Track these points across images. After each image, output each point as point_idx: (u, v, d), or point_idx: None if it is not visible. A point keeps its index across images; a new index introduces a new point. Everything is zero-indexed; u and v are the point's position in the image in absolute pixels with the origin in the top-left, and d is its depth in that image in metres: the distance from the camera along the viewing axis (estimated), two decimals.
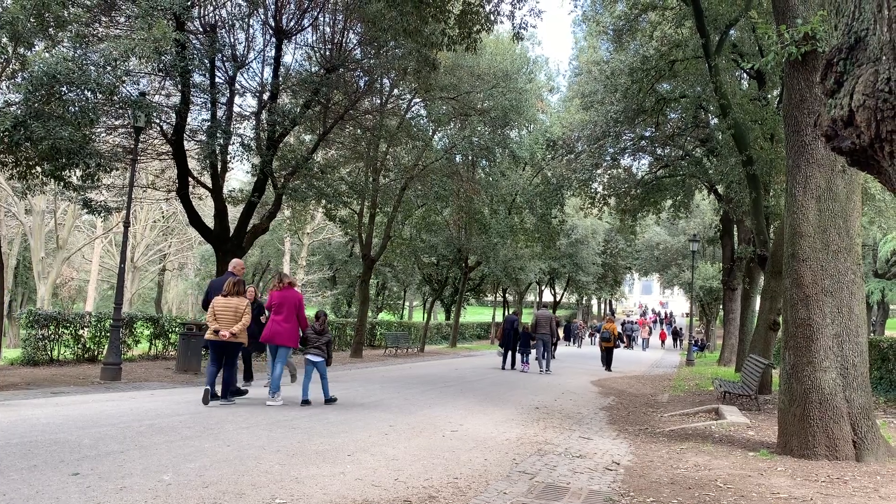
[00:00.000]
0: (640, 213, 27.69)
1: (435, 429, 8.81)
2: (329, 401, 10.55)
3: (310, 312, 11.13)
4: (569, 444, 8.37)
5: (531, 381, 17.45)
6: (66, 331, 16.37)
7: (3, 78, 11.83)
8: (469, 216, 30.97)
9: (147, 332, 19.24)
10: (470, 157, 31.28)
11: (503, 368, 21.20)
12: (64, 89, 11.33)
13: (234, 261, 11.56)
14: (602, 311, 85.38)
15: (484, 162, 31.97)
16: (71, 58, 11.02)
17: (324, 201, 20.57)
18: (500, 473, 6.50)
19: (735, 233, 26.97)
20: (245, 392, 10.83)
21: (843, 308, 8.01)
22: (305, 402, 10.23)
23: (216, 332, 9.71)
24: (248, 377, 12.92)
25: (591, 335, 52.66)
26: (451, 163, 29.53)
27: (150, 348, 19.31)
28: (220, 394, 10.06)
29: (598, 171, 26.32)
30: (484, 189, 30.95)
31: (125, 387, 12.50)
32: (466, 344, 42.33)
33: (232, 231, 18.30)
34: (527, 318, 54.03)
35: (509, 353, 21.77)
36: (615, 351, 24.50)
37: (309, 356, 10.56)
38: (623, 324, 48.98)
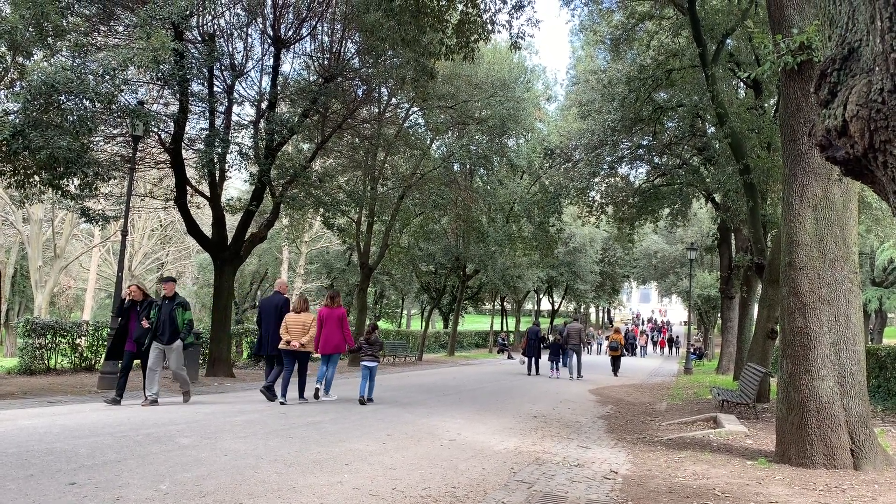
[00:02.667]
0: (637, 222, 27.69)
1: (433, 438, 8.79)
2: (369, 399, 12.23)
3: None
4: (567, 453, 8.35)
5: (529, 389, 17.43)
6: (63, 340, 16.34)
7: (2, 87, 11.84)
8: (467, 224, 31.00)
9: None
10: (468, 166, 31.35)
11: (528, 374, 23.27)
12: (62, 98, 11.35)
13: (279, 281, 13.47)
14: (600, 320, 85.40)
15: (482, 170, 32.02)
16: (69, 67, 11.04)
17: (322, 210, 20.57)
18: (498, 483, 6.49)
19: (733, 241, 26.98)
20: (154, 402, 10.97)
21: (841, 316, 8.02)
22: (362, 401, 12.06)
23: (287, 342, 11.54)
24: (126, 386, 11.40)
25: (587, 343, 52.68)
26: (449, 171, 29.59)
27: None
28: (298, 395, 12.08)
29: (596, 180, 26.33)
30: (482, 197, 30.98)
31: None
32: (464, 352, 42.28)
33: (230, 239, 18.29)
34: (524, 326, 53.76)
35: (533, 359, 23.99)
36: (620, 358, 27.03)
37: (364, 362, 12.46)
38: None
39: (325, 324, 12.31)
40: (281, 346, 11.57)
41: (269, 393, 11.82)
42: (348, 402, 12.27)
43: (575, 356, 22.89)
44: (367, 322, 24.82)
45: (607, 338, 30.18)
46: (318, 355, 12.93)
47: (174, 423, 8.72)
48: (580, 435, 10.14)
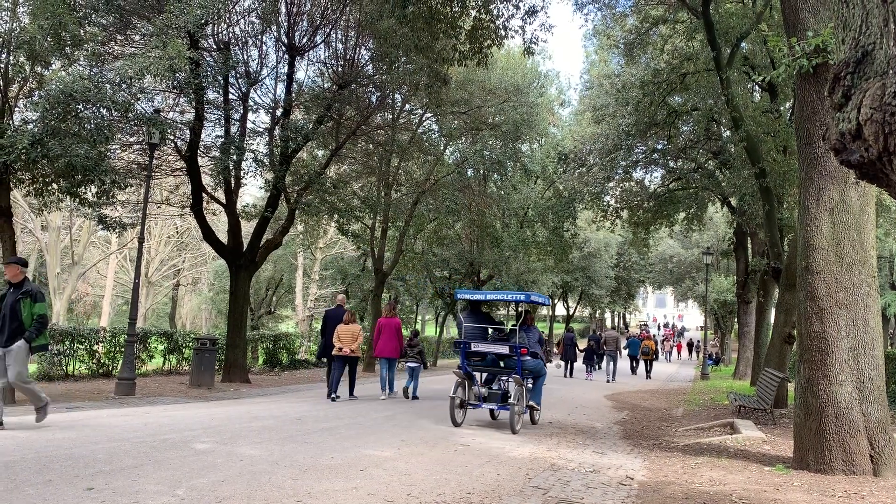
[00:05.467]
0: (652, 226, 27.58)
1: (447, 443, 8.79)
2: (414, 397, 14.29)
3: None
4: (582, 459, 8.32)
5: (545, 395, 17.34)
6: (80, 346, 16.49)
7: (21, 96, 12.01)
8: (481, 230, 30.99)
9: (161, 348, 19.35)
10: (481, 171, 31.32)
11: (565, 377, 25.23)
12: (80, 107, 11.48)
13: (340, 297, 15.34)
14: (616, 325, 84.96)
15: (495, 176, 31.99)
16: (87, 76, 11.17)
17: (336, 216, 20.66)
18: (513, 488, 6.47)
19: (749, 245, 26.81)
20: None
21: (859, 321, 7.93)
22: (406, 395, 14.32)
23: (340, 349, 13.28)
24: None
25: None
26: (463, 177, 29.59)
27: (163, 363, 19.41)
28: (348, 394, 13.79)
29: (611, 185, 26.27)
30: (496, 203, 30.95)
31: (139, 402, 12.57)
32: None
33: (245, 246, 18.41)
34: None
35: (568, 363, 26.27)
36: (635, 361, 30.46)
37: (408, 364, 14.53)
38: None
39: (384, 332, 14.24)
40: (334, 352, 13.40)
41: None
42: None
43: (612, 361, 25.21)
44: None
45: (625, 347, 30.90)
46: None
47: (190, 429, 8.77)
48: (596, 441, 10.10)
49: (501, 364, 11.06)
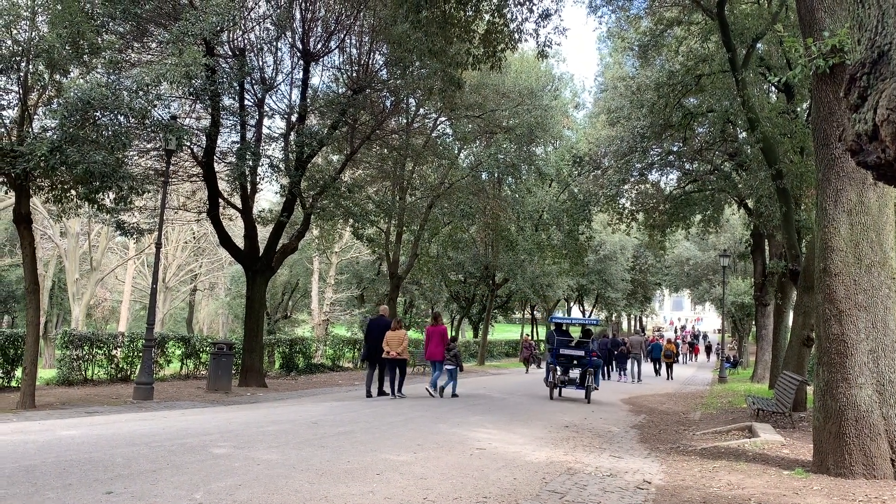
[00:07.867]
0: (668, 229, 27.39)
1: (463, 447, 8.78)
2: (455, 395, 16.01)
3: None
4: (599, 463, 8.28)
5: (560, 398, 17.32)
6: (99, 351, 16.65)
7: (40, 104, 12.14)
8: (496, 233, 30.97)
9: (178, 352, 19.48)
10: (496, 175, 31.32)
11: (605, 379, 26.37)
12: (98, 114, 11.60)
13: (383, 307, 17.19)
14: (632, 328, 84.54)
15: (510, 179, 31.97)
16: (105, 84, 11.28)
17: (351, 220, 20.74)
18: (529, 493, 6.45)
19: (766, 247, 26.56)
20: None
21: (878, 323, 7.85)
22: (454, 395, 16.05)
23: (389, 353, 14.94)
24: None
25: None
26: (478, 180, 29.59)
27: (181, 368, 19.54)
28: (397, 390, 15.40)
29: (626, 187, 26.12)
30: (510, 206, 30.92)
31: (157, 406, 12.66)
32: (494, 362, 42.11)
33: (262, 251, 18.50)
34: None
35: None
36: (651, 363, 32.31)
37: (446, 366, 16.17)
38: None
39: (431, 338, 15.98)
40: (384, 356, 15.07)
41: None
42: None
43: (637, 363, 27.25)
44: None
45: (648, 351, 31.52)
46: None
47: (208, 433, 8.82)
48: (612, 444, 10.05)
49: (575, 362, 17.01)
